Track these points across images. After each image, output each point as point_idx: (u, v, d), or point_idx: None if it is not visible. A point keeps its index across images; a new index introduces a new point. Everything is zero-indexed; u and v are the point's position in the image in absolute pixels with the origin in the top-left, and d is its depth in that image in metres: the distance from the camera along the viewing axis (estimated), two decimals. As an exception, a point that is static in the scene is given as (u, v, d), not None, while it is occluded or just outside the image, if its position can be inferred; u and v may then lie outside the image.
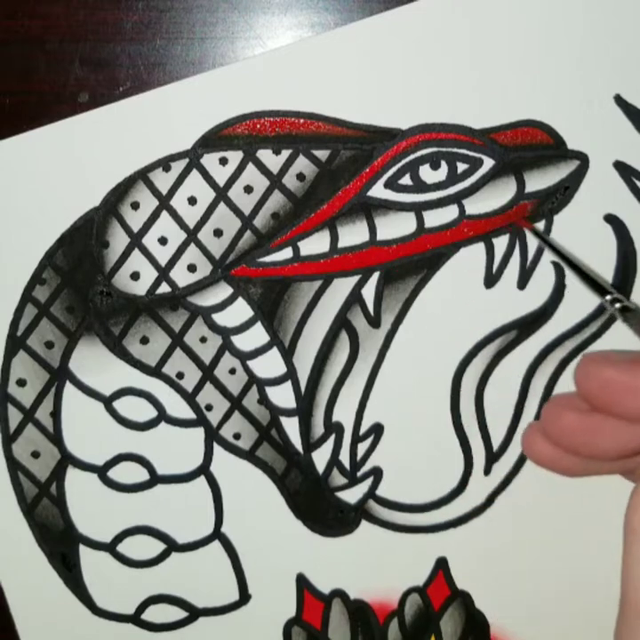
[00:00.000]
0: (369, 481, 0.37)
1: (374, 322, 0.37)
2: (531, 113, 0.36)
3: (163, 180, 0.36)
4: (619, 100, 0.36)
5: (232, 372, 0.37)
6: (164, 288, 0.37)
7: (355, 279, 0.36)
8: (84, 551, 0.38)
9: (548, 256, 0.36)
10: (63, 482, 0.38)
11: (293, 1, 0.36)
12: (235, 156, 0.36)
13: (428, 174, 0.36)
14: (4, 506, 0.38)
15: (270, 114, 0.36)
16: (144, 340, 0.37)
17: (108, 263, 0.37)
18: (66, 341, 0.37)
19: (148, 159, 0.36)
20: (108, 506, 0.38)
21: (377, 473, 0.37)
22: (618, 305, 0.32)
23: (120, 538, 0.38)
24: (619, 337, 0.36)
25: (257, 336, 0.37)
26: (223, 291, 0.37)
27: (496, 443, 0.37)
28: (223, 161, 0.36)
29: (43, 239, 0.36)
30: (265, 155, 0.36)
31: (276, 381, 0.37)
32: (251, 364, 0.37)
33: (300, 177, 0.36)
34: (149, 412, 0.37)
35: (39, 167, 0.36)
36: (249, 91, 0.36)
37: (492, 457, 0.37)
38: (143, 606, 0.38)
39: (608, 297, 0.33)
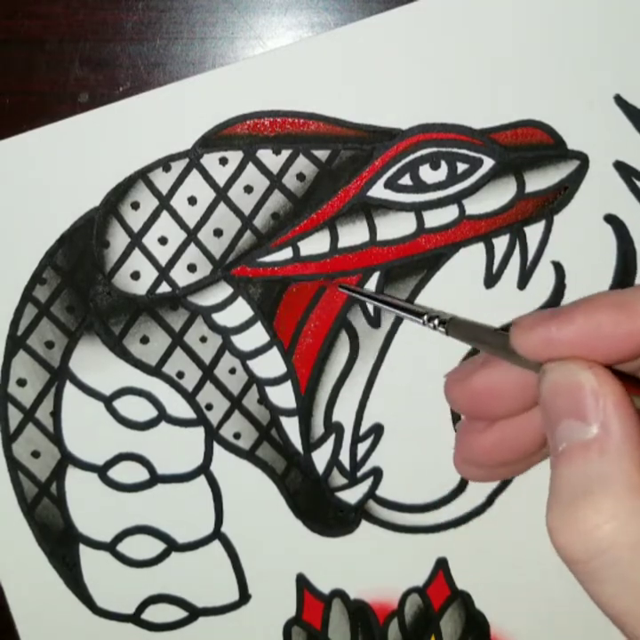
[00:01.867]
0: (369, 481, 0.37)
1: (374, 322, 0.37)
2: (531, 113, 0.36)
3: (163, 180, 0.36)
4: (619, 100, 0.35)
5: (232, 371, 0.37)
6: (165, 288, 0.37)
7: (355, 279, 0.36)
8: (84, 551, 0.38)
9: (548, 256, 0.36)
10: (63, 481, 0.38)
11: (293, 1, 0.36)
12: (235, 156, 0.36)
13: (427, 174, 0.36)
14: (4, 506, 0.38)
15: (270, 114, 0.36)
16: (144, 340, 0.37)
17: (108, 263, 0.37)
18: (66, 341, 0.37)
19: (148, 159, 0.36)
20: (108, 506, 0.38)
21: (377, 473, 0.37)
22: (435, 321, 0.31)
23: (120, 537, 0.38)
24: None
25: (257, 336, 0.37)
26: (223, 291, 0.37)
27: (496, 443, 0.37)
28: (223, 161, 0.36)
29: (43, 239, 0.36)
30: (265, 155, 0.36)
31: (276, 381, 0.37)
32: (251, 363, 0.37)
33: (300, 177, 0.36)
34: (149, 412, 0.37)
35: (39, 167, 0.36)
36: (249, 91, 0.36)
37: (492, 457, 0.37)
38: (143, 606, 0.38)
39: (424, 318, 0.32)
